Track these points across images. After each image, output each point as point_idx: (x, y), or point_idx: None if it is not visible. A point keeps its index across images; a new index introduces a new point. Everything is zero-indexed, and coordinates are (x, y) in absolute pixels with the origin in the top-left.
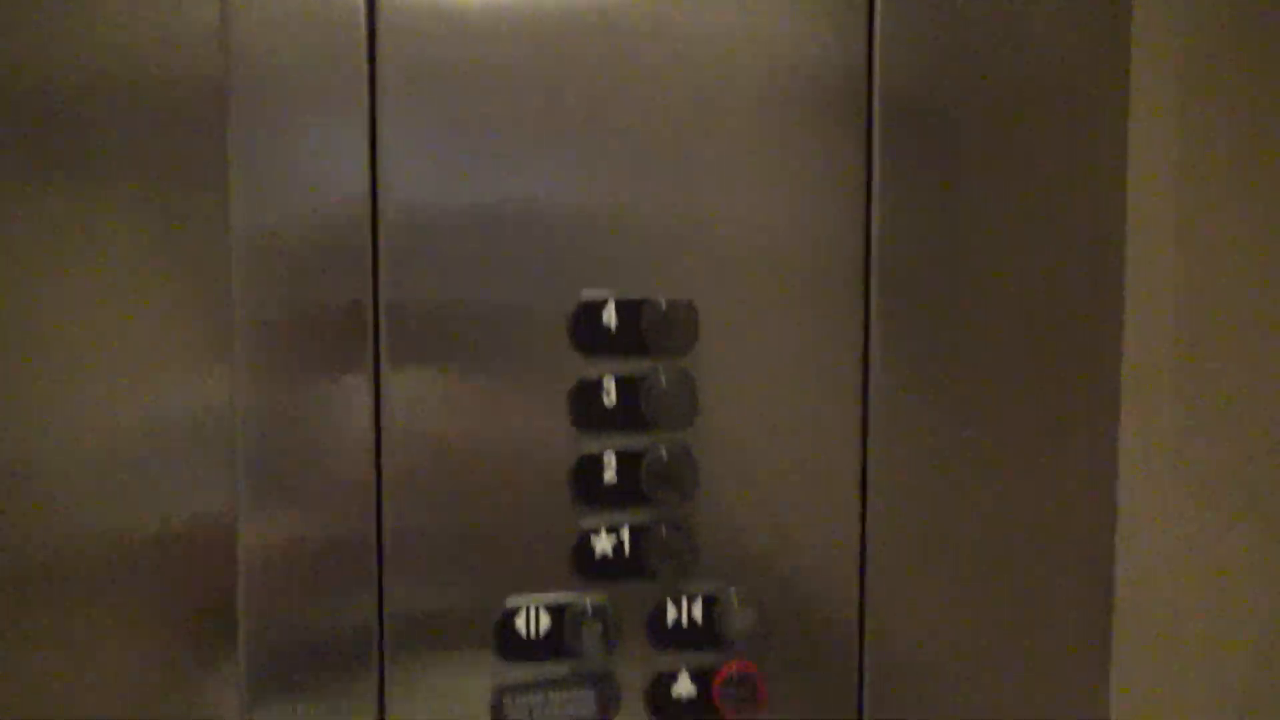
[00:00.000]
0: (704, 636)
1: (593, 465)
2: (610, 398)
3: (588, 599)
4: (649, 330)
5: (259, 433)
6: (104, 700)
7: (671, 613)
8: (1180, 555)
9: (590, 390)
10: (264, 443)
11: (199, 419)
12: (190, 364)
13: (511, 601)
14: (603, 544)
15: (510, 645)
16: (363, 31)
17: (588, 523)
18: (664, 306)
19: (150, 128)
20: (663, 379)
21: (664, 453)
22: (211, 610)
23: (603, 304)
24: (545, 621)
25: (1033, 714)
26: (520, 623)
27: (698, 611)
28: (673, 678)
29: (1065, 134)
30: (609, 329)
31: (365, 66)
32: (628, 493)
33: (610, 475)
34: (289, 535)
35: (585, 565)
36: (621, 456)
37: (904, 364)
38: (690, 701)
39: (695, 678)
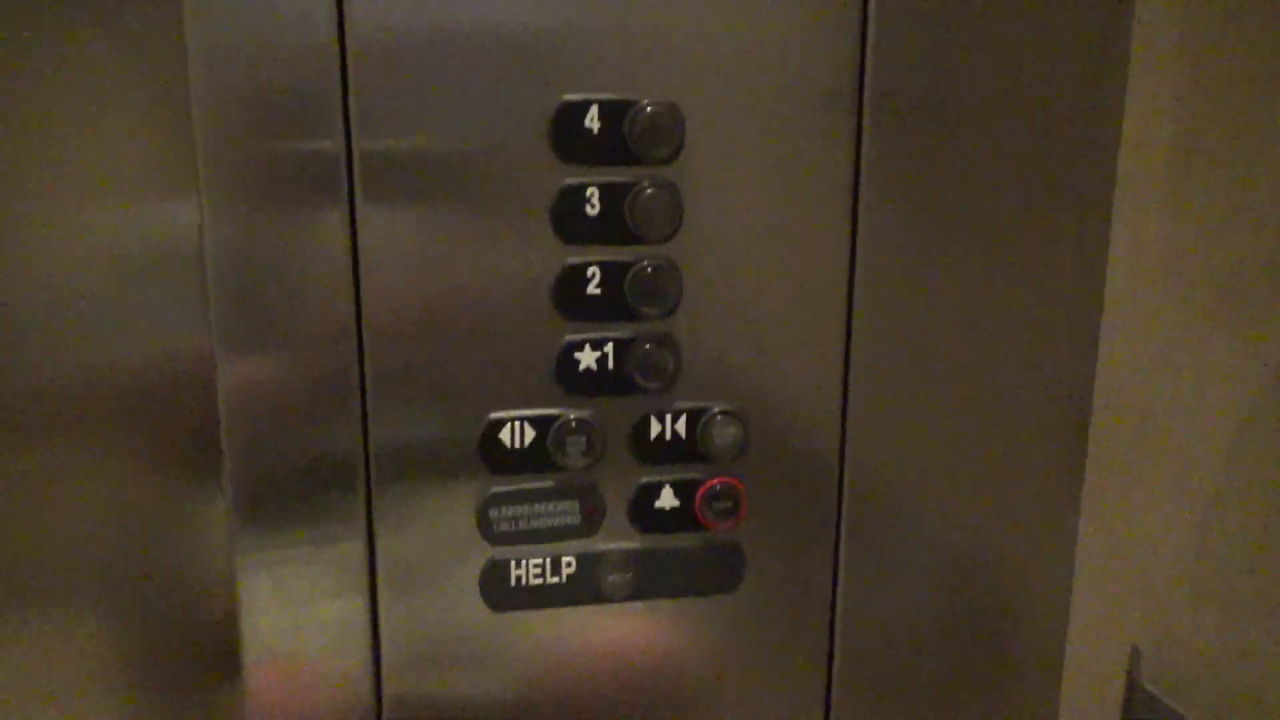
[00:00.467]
0: (687, 451)
1: (576, 277)
2: (594, 207)
3: (572, 413)
4: (634, 135)
5: (231, 267)
6: (91, 535)
7: (655, 427)
8: (1159, 361)
9: (573, 199)
10: (238, 277)
11: (166, 252)
12: (155, 194)
13: (496, 415)
14: (586, 358)
15: (495, 458)
16: None
17: (572, 336)
18: (649, 109)
19: None
20: (648, 188)
21: (648, 266)
22: (195, 444)
23: (586, 106)
24: (530, 434)
25: (1008, 522)
26: (505, 436)
27: (681, 426)
28: (656, 491)
29: None
30: (591, 132)
31: None
32: (612, 306)
33: (594, 288)
34: (270, 369)
35: (569, 379)
36: (605, 268)
37: (894, 178)
38: (673, 512)
39: (678, 491)
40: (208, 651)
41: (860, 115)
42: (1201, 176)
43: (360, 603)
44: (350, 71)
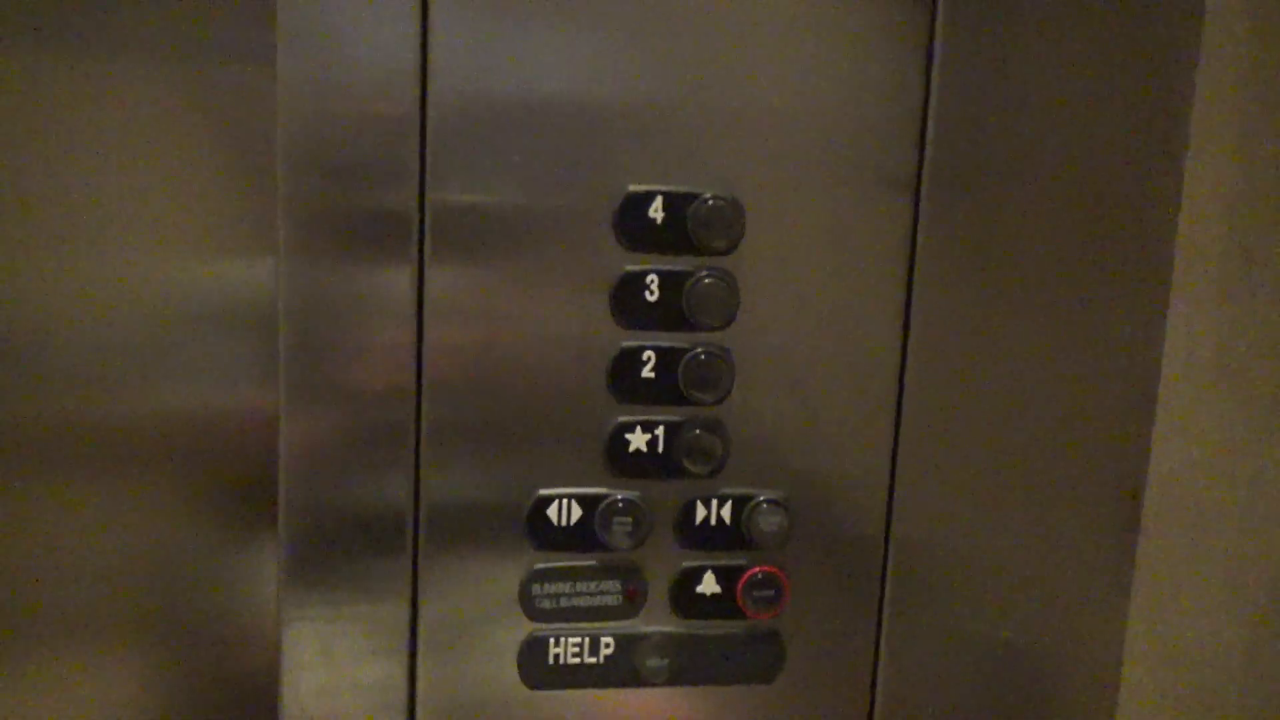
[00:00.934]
0: (731, 537)
1: (631, 360)
2: (653, 294)
3: (619, 493)
4: (695, 225)
5: (303, 322)
6: (142, 578)
7: (700, 512)
8: (1213, 464)
9: (633, 285)
10: (308, 331)
11: (239, 306)
12: (233, 250)
13: (545, 491)
14: (637, 440)
15: (542, 534)
16: None
17: (623, 418)
18: (711, 201)
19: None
20: (706, 277)
21: (702, 353)
22: (252, 493)
23: (650, 197)
24: (576, 512)
25: (1056, 613)
26: (552, 512)
27: (726, 512)
28: (699, 576)
29: (1132, 19)
30: (655, 222)
31: None
32: (664, 390)
33: (648, 371)
34: (330, 424)
35: (618, 460)
36: (660, 353)
37: (949, 262)
38: (714, 599)
39: (720, 577)
40: (244, 704)
41: (918, 199)
42: (1259, 279)
43: (400, 667)
44: (429, 136)
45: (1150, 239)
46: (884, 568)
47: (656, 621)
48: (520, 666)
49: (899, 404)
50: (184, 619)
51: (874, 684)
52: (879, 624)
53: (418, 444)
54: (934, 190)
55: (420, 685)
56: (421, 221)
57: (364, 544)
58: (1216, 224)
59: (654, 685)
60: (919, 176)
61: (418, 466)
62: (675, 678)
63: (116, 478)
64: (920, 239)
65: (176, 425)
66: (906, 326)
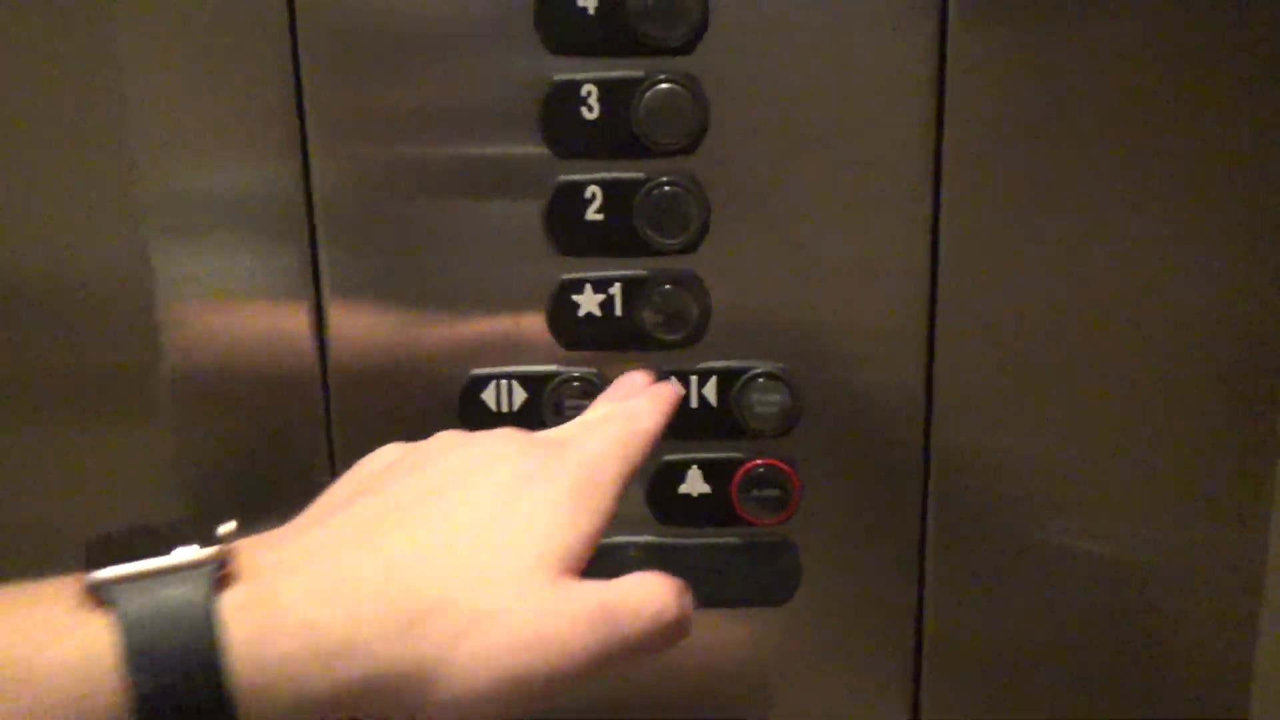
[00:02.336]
0: (720, 423)
1: (572, 199)
2: (592, 109)
3: (573, 370)
4: (637, 17)
5: None
6: None
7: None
8: None
9: (567, 97)
10: None
11: None
12: None
13: (478, 371)
14: (587, 302)
15: (477, 424)
16: None
17: (568, 275)
18: None
19: None
20: (662, 84)
21: (665, 184)
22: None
23: None
24: (519, 396)
25: (1165, 523)
26: (489, 397)
27: (711, 391)
28: (680, 472)
29: None
30: (586, 13)
31: None
32: (619, 236)
33: (594, 212)
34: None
35: (567, 328)
36: (609, 188)
37: (992, 89)
38: (703, 500)
39: (709, 474)
40: None
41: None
42: None
43: None
44: None
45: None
46: (926, 460)
47: (631, 530)
48: None
49: (934, 245)
50: None
51: (920, 610)
52: (922, 533)
53: (320, 327)
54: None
55: None
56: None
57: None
58: None
59: None
60: None
61: (324, 354)
62: None
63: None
64: (951, 59)
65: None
66: (939, 144)
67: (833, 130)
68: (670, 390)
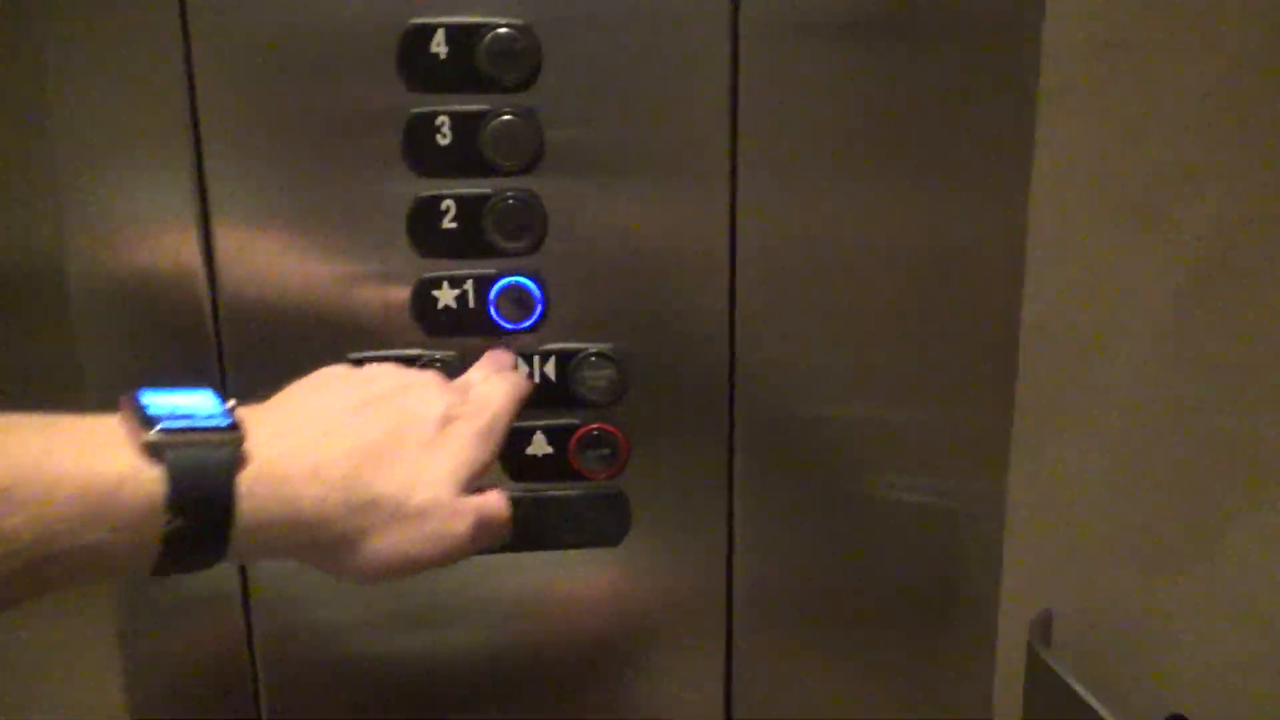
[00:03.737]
0: (560, 395)
1: (430, 211)
2: (445, 137)
3: (436, 353)
4: (486, 60)
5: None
6: None
7: (523, 370)
8: (1083, 282)
9: (423, 128)
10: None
11: None
12: None
13: (355, 355)
14: (445, 296)
15: None
16: None
17: (429, 274)
18: (501, 30)
19: None
20: (505, 115)
21: (509, 198)
22: None
23: (432, 30)
24: None
25: (928, 462)
26: None
27: (551, 369)
28: (528, 436)
29: None
30: (439, 58)
31: None
32: (471, 241)
33: (449, 222)
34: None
35: (429, 319)
36: (461, 201)
37: (775, 95)
38: (547, 460)
39: (551, 438)
40: None
41: (736, 28)
42: (1123, 77)
43: None
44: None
45: (1013, 43)
46: (730, 420)
47: (487, 485)
48: None
49: (732, 238)
50: None
51: (730, 544)
52: (730, 480)
53: (216, 322)
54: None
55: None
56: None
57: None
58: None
59: (491, 551)
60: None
61: (221, 357)
62: (514, 544)
63: None
64: (743, 72)
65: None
66: (734, 152)
67: (644, 143)
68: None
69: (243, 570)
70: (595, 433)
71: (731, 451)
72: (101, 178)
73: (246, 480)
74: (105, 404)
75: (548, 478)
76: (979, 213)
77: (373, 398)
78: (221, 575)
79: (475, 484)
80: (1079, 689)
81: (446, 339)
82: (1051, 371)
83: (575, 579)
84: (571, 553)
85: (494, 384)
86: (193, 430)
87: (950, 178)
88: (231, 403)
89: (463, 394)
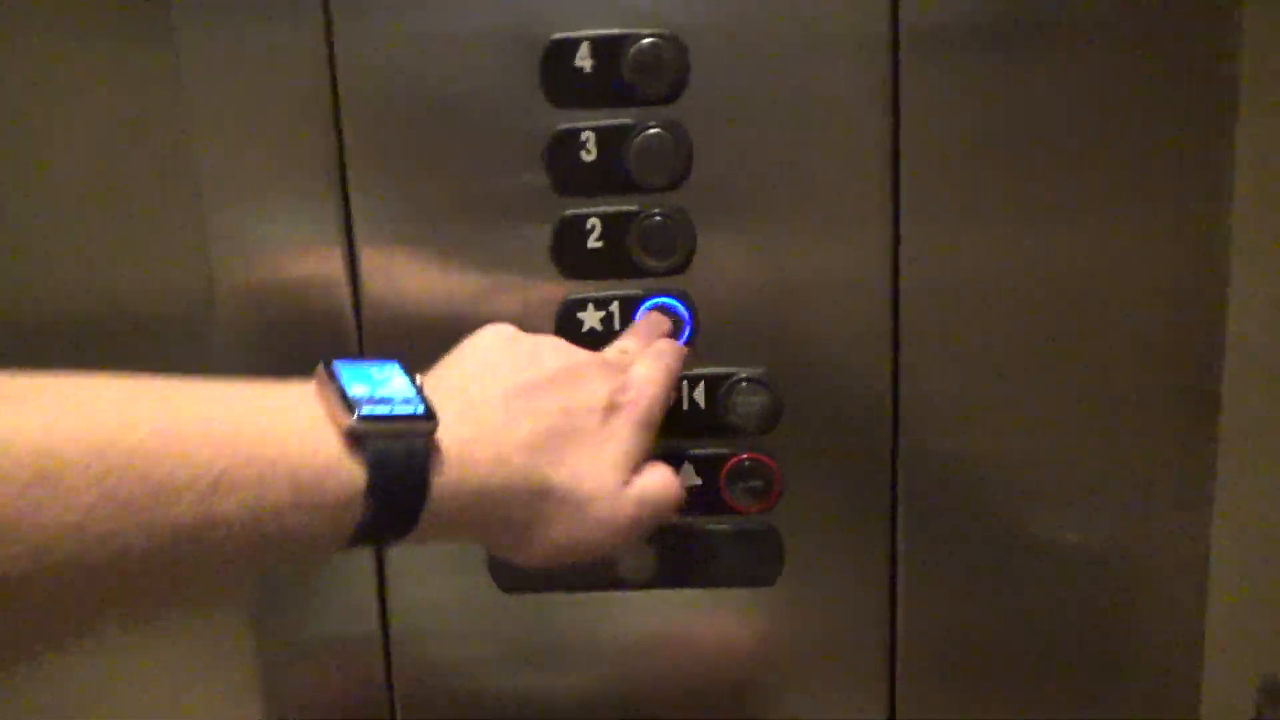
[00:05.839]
0: (710, 422)
1: (575, 230)
2: (590, 153)
3: None
4: (630, 71)
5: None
6: None
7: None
8: None
9: (568, 144)
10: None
11: None
12: None
13: None
14: (590, 318)
15: None
16: None
17: (573, 295)
18: (646, 41)
19: None
20: (650, 129)
21: (656, 215)
22: None
23: (575, 44)
24: None
25: (1114, 508)
26: None
27: (700, 394)
28: (675, 466)
29: None
30: (583, 72)
31: None
32: (616, 262)
33: (594, 241)
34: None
35: (572, 341)
36: (606, 220)
37: (939, 103)
38: (695, 491)
39: (700, 468)
40: None
41: (896, 38)
42: None
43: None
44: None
45: (1205, 46)
46: (893, 452)
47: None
48: (491, 568)
49: (895, 261)
50: None
51: (893, 585)
52: (893, 517)
53: (360, 344)
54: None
55: (391, 594)
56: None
57: None
58: None
59: (634, 587)
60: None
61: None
62: (658, 579)
63: None
64: (903, 79)
65: None
66: (896, 172)
67: (800, 160)
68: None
69: (382, 606)
70: (747, 463)
71: (894, 487)
72: (247, 209)
73: (439, 467)
74: None
75: (696, 510)
76: (1167, 239)
77: (544, 381)
78: (361, 612)
79: (640, 467)
80: None
81: None
82: (1261, 397)
83: (725, 620)
84: (721, 592)
85: (651, 366)
86: (392, 419)
87: (1133, 195)
88: (420, 380)
89: (622, 375)
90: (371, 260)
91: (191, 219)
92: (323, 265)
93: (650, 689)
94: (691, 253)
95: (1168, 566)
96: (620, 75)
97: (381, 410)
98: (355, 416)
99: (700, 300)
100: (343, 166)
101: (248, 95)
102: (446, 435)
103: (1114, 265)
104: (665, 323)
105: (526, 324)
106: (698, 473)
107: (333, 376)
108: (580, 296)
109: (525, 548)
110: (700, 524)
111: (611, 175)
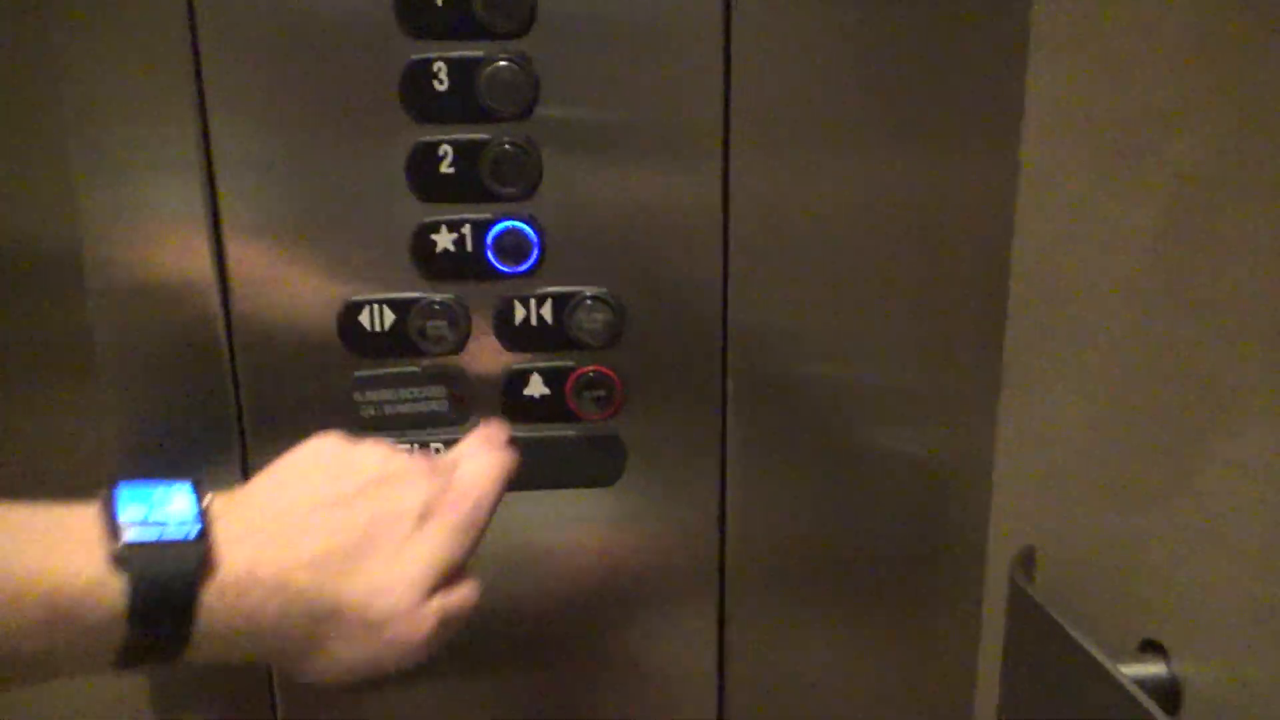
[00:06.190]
0: (556, 338)
1: (428, 156)
2: (442, 83)
3: (433, 296)
4: (479, 5)
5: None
6: None
7: (520, 312)
8: (1068, 227)
9: (420, 75)
10: None
11: None
12: None
13: (355, 298)
14: (443, 240)
15: (356, 341)
16: None
17: (427, 218)
18: None
19: None
20: (500, 61)
21: (506, 144)
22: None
23: None
24: (389, 318)
25: (919, 406)
26: (364, 319)
27: (547, 311)
28: (525, 378)
29: None
30: (435, 5)
31: None
32: (468, 187)
33: (447, 167)
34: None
35: (427, 262)
36: (459, 147)
37: (768, 49)
38: (544, 401)
39: (548, 379)
40: None
41: None
42: (1108, 21)
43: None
44: None
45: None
46: (724, 363)
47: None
48: None
49: (725, 188)
50: None
51: (724, 484)
52: (724, 422)
53: (220, 257)
54: None
55: None
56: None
57: (177, 364)
58: None
59: None
60: None
61: (224, 279)
62: (512, 483)
63: None
64: (735, 22)
65: None
66: (727, 95)
67: (638, 93)
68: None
69: None
70: (591, 375)
71: (724, 403)
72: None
73: (209, 593)
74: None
75: (544, 419)
76: (969, 170)
77: (352, 492)
78: None
79: (447, 579)
80: (1057, 618)
81: (445, 282)
82: (1037, 318)
83: (570, 520)
84: (566, 494)
85: (479, 463)
86: (159, 544)
87: (940, 136)
88: (208, 500)
89: (447, 477)
90: (229, 186)
91: (57, 149)
92: (183, 193)
93: (501, 589)
94: (539, 180)
95: (962, 464)
96: (470, 10)
97: (150, 534)
98: (120, 541)
99: (547, 223)
100: (201, 94)
101: (110, 19)
102: (227, 556)
103: (918, 195)
104: (504, 431)
105: (384, 245)
106: (546, 384)
107: (110, 499)
108: (434, 219)
109: (311, 668)
110: (549, 431)
111: (464, 105)
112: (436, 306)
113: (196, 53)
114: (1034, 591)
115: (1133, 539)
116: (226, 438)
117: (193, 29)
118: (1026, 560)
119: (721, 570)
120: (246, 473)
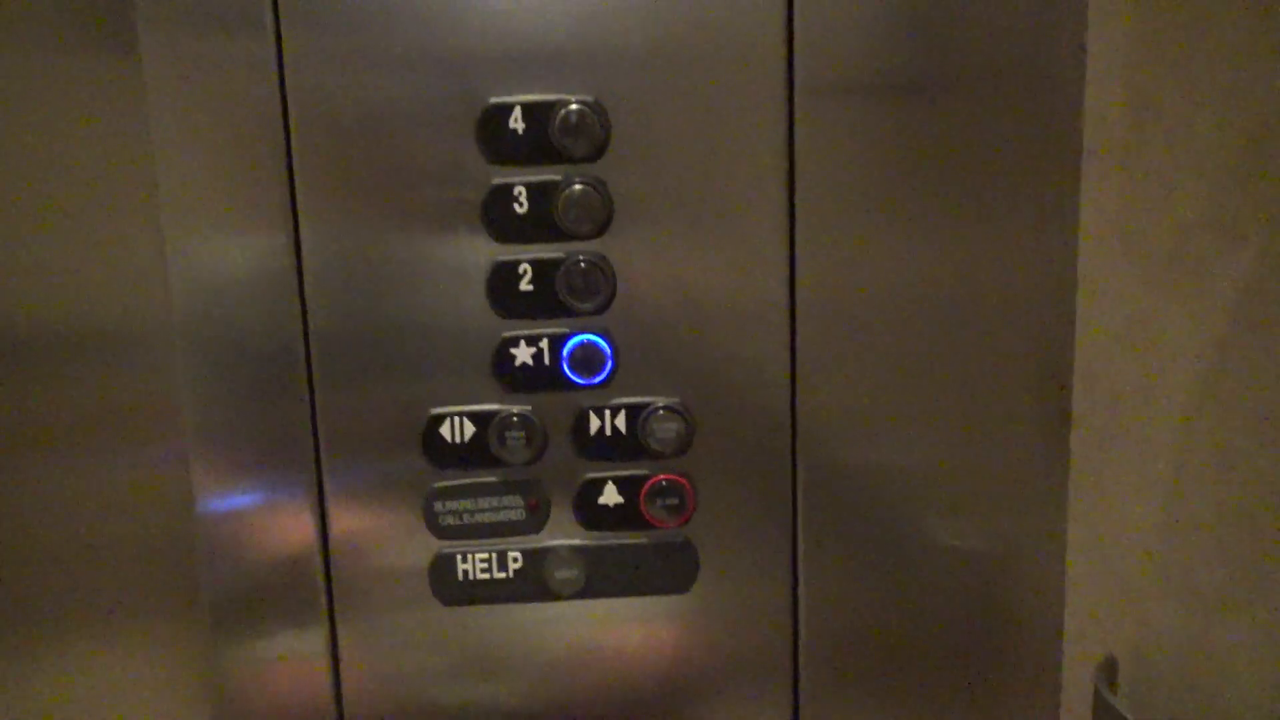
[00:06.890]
0: (629, 447)
1: (508, 274)
2: (522, 205)
3: (512, 408)
4: (558, 133)
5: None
6: None
7: (594, 423)
8: (1124, 336)
9: (501, 198)
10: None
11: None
12: None
13: (436, 410)
14: (522, 353)
15: (437, 453)
16: None
17: (507, 333)
18: (573, 107)
19: None
20: (576, 185)
21: (580, 261)
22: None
23: (510, 108)
24: (469, 429)
25: (988, 512)
26: (445, 430)
27: (621, 422)
28: (600, 487)
29: None
30: (516, 133)
31: None
32: (545, 302)
33: (526, 284)
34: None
35: (507, 375)
36: (536, 265)
37: (831, 156)
38: (618, 509)
39: (622, 488)
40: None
41: (791, 94)
42: (1153, 136)
43: (320, 596)
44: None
45: (1056, 106)
46: (793, 469)
47: (562, 535)
48: (432, 584)
49: (792, 301)
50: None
51: (795, 589)
52: (794, 528)
53: (309, 364)
54: (808, 85)
55: (337, 607)
56: (288, 141)
57: (266, 460)
58: (1116, 84)
59: (565, 598)
60: (790, 72)
61: (312, 386)
62: (586, 590)
63: None
64: (798, 131)
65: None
66: (792, 218)
67: (705, 209)
68: None
69: (331, 621)
70: (664, 483)
71: (795, 499)
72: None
73: None
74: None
75: (618, 527)
76: (1029, 264)
77: None
78: (309, 626)
79: None
80: None
81: (522, 394)
82: (1102, 418)
83: (644, 627)
84: (640, 600)
85: None
86: None
87: (1000, 231)
88: None
89: None
90: (317, 299)
91: (150, 228)
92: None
93: (579, 694)
94: (613, 294)
95: (1033, 564)
96: (548, 136)
97: None
98: None
99: (620, 336)
100: (292, 189)
101: (204, 107)
102: None
103: (980, 291)
104: None
105: (465, 355)
106: (620, 493)
107: None
108: (514, 334)
109: None
110: (623, 539)
111: (542, 225)
112: (515, 418)
113: (291, 164)
114: (1120, 705)
115: (1212, 647)
116: (309, 554)
117: (287, 136)
118: (1110, 669)
119: (795, 668)
120: (329, 591)
